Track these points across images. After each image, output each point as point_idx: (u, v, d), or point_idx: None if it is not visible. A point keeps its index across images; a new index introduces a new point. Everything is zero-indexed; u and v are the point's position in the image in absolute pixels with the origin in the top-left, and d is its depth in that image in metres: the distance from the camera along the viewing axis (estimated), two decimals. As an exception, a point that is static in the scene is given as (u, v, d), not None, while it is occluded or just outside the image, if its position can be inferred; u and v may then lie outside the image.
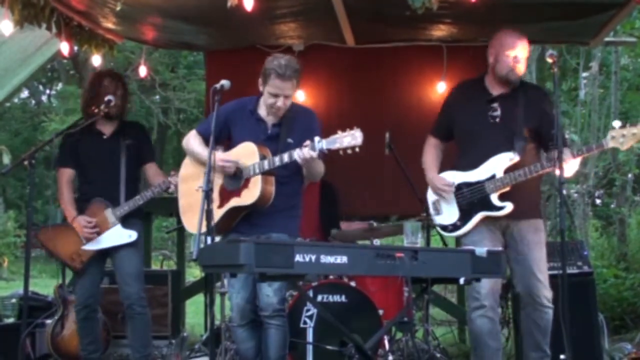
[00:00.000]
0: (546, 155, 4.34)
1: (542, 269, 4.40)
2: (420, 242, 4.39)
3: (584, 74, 11.71)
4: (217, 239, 3.98)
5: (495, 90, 4.51)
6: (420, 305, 5.90)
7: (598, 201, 14.52)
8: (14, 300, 6.93)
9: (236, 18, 4.79)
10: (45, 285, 9.09)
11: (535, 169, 4.25)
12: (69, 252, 5.06)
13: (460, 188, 4.50)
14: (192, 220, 4.29)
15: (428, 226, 5.64)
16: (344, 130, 6.38)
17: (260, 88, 4.35)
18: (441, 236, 6.56)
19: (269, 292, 4.20)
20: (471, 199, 4.44)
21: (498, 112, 4.44)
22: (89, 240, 5.02)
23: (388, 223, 7.27)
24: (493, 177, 4.37)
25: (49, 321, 5.88)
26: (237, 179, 4.25)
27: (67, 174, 5.16)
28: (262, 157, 4.17)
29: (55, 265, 5.57)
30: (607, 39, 6.44)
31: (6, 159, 5.95)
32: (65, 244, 5.06)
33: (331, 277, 5.07)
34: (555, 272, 4.63)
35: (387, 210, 7.08)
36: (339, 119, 6.49)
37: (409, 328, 5.09)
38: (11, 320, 6.67)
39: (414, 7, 4.04)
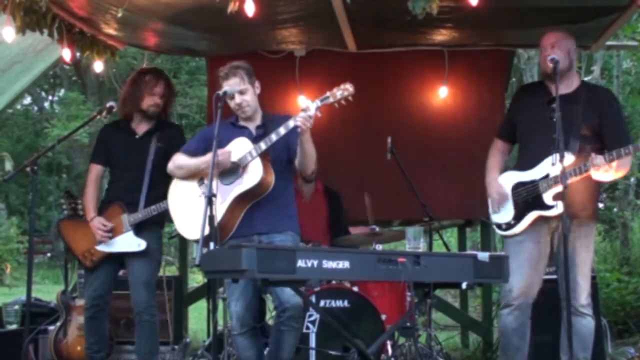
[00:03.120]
0: (592, 157, 4.22)
1: (585, 274, 4.35)
2: (422, 247, 4.39)
3: (586, 78, 11.71)
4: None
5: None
6: (423, 310, 5.90)
7: (600, 205, 14.50)
8: (16, 307, 6.93)
9: (238, 24, 4.79)
10: (48, 292, 9.11)
11: (585, 167, 4.20)
12: (83, 248, 5.04)
13: (516, 187, 4.50)
14: (188, 227, 4.32)
15: (430, 231, 5.65)
16: (345, 135, 6.43)
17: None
18: (443, 241, 6.59)
19: (293, 292, 4.12)
20: (526, 198, 4.43)
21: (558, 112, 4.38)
22: (101, 241, 5.02)
23: (390, 228, 7.28)
24: (547, 176, 4.36)
25: (51, 327, 5.88)
26: (233, 172, 4.23)
27: (95, 170, 5.14)
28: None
29: (59, 271, 5.58)
30: (608, 42, 6.43)
31: (8, 166, 5.97)
32: (81, 239, 5.05)
33: (333, 282, 5.07)
34: (556, 276, 4.60)
35: (388, 216, 7.08)
36: (340, 124, 6.53)
37: (411, 333, 5.10)
38: (14, 326, 6.67)
39: (415, 12, 4.04)
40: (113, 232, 5.00)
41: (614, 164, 4.16)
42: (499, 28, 5.82)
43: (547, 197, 4.34)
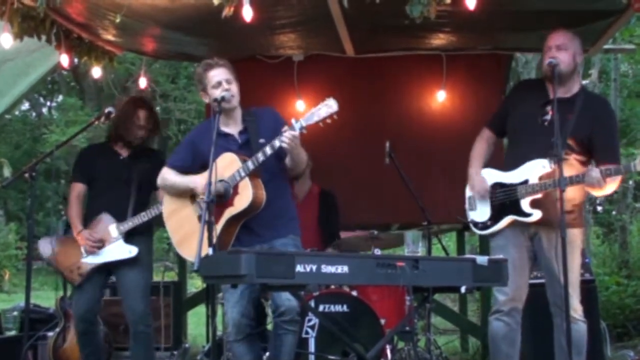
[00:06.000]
0: (589, 169, 4.12)
1: (572, 281, 4.18)
2: (421, 251, 4.39)
3: (584, 82, 11.73)
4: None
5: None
6: (422, 314, 5.90)
7: (599, 208, 14.52)
8: (15, 313, 6.94)
9: (235, 29, 4.79)
10: (46, 298, 9.10)
11: (577, 179, 4.10)
12: (68, 264, 5.02)
13: (495, 187, 4.44)
14: (189, 249, 4.23)
15: (429, 235, 5.65)
16: (344, 140, 6.41)
17: (206, 100, 4.41)
18: (442, 245, 6.59)
19: (289, 296, 4.15)
20: (503, 201, 4.37)
21: (548, 116, 4.28)
22: (89, 253, 4.98)
23: (389, 232, 7.28)
24: (526, 182, 4.28)
25: (50, 333, 5.87)
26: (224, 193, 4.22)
27: (78, 189, 5.14)
28: (244, 162, 4.16)
29: (57, 278, 5.57)
30: (606, 46, 6.44)
31: (7, 172, 5.96)
32: (64, 255, 5.03)
33: (333, 286, 5.07)
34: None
35: (387, 220, 7.08)
36: (339, 128, 6.49)
37: (411, 337, 5.09)
38: (13, 333, 6.68)
39: (413, 16, 4.04)
40: (101, 243, 4.99)
41: (607, 180, 4.05)
42: (496, 32, 5.82)
43: (525, 204, 4.28)
